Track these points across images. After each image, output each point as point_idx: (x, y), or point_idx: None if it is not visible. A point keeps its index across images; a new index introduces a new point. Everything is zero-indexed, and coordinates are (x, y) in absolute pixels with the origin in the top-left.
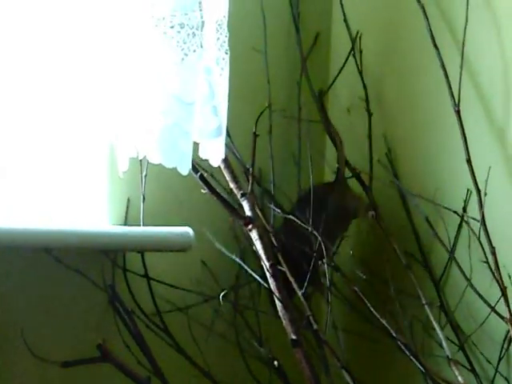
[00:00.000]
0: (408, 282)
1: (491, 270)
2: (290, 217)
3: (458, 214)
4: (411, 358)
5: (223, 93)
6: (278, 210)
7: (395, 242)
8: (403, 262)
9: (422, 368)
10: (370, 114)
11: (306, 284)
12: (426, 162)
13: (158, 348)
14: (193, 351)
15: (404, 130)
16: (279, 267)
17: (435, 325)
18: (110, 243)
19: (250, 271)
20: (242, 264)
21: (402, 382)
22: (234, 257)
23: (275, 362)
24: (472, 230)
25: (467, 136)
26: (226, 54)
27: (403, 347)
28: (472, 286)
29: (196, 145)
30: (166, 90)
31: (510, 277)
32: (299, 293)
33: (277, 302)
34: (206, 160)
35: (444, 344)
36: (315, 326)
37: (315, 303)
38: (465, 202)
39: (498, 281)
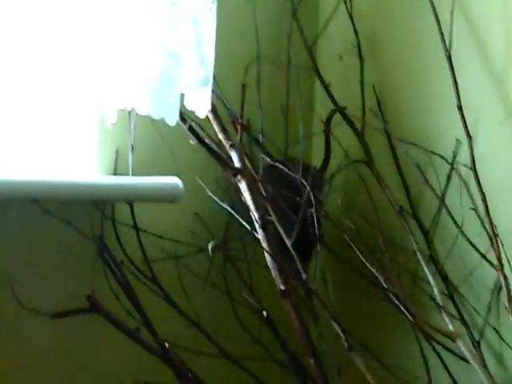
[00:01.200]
0: (396, 232)
1: (479, 217)
2: (278, 165)
3: (446, 161)
4: (400, 307)
5: (210, 43)
6: (268, 159)
7: (387, 188)
8: (394, 209)
9: (410, 317)
10: (362, 60)
11: (294, 235)
12: (417, 108)
13: (148, 299)
14: (182, 302)
15: (396, 76)
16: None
17: (426, 271)
18: (99, 194)
19: (241, 220)
20: (233, 212)
21: (390, 332)
22: (224, 205)
23: (264, 312)
24: (461, 176)
25: (460, 82)
26: (214, 3)
27: (392, 296)
28: (463, 233)
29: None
30: (154, 41)
31: (496, 227)
32: (288, 243)
33: (265, 253)
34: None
35: (435, 291)
36: (304, 276)
37: None
38: (455, 150)
39: (485, 229)
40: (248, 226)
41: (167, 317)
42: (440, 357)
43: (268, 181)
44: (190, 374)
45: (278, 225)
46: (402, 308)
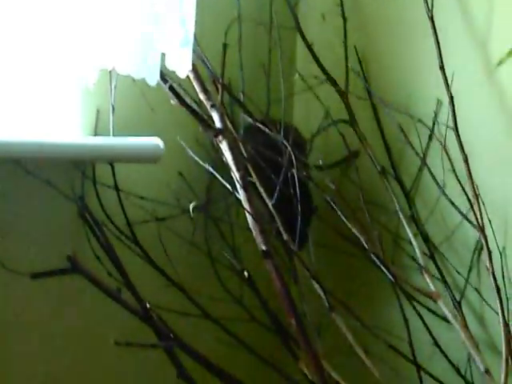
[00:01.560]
0: (378, 192)
1: (458, 179)
2: (260, 125)
3: (425, 125)
4: (381, 267)
5: (191, 2)
6: (249, 119)
7: (369, 148)
8: (376, 170)
9: (391, 277)
10: (345, 20)
11: (275, 195)
12: (399, 68)
13: (129, 260)
14: (164, 263)
15: (378, 36)
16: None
17: (408, 231)
18: (80, 154)
19: (222, 180)
20: (214, 173)
21: (372, 293)
22: (206, 166)
23: (245, 273)
24: (438, 139)
25: (442, 42)
26: None
27: (373, 257)
28: (444, 193)
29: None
30: (135, 1)
31: (477, 187)
32: (269, 204)
33: (247, 213)
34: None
35: (417, 252)
36: (285, 237)
37: None
38: (436, 110)
39: (464, 189)
40: (229, 187)
41: (149, 278)
42: (421, 317)
43: (250, 142)
44: (171, 335)
45: (258, 185)
46: (383, 268)
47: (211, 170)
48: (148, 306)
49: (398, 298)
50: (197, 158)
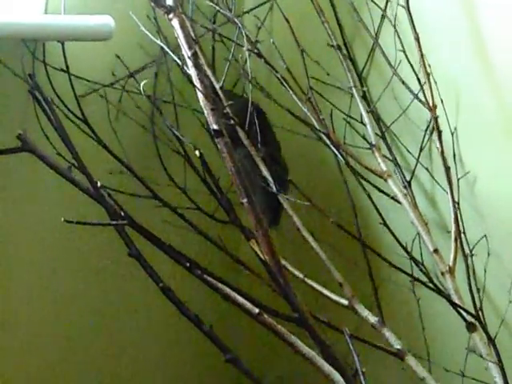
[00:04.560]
0: (330, 70)
1: (408, 60)
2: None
3: (376, 4)
4: (331, 147)
5: None
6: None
7: (327, 22)
8: (329, 47)
9: (339, 155)
10: None
11: (223, 78)
12: None
13: (79, 140)
14: (112, 143)
15: None
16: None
17: (360, 107)
18: (30, 33)
19: (173, 56)
20: (165, 47)
21: (321, 173)
22: (158, 41)
23: (197, 152)
24: (391, 20)
25: None
26: None
27: (323, 136)
28: (396, 73)
29: None
30: None
31: (430, 66)
32: (217, 86)
33: (198, 93)
34: None
35: (369, 129)
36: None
37: None
38: None
39: (415, 72)
40: (179, 62)
41: (97, 157)
42: (370, 197)
43: None
44: (122, 214)
45: (207, 68)
46: (332, 147)
47: (162, 44)
48: (99, 184)
49: (342, 175)
50: (148, 33)
